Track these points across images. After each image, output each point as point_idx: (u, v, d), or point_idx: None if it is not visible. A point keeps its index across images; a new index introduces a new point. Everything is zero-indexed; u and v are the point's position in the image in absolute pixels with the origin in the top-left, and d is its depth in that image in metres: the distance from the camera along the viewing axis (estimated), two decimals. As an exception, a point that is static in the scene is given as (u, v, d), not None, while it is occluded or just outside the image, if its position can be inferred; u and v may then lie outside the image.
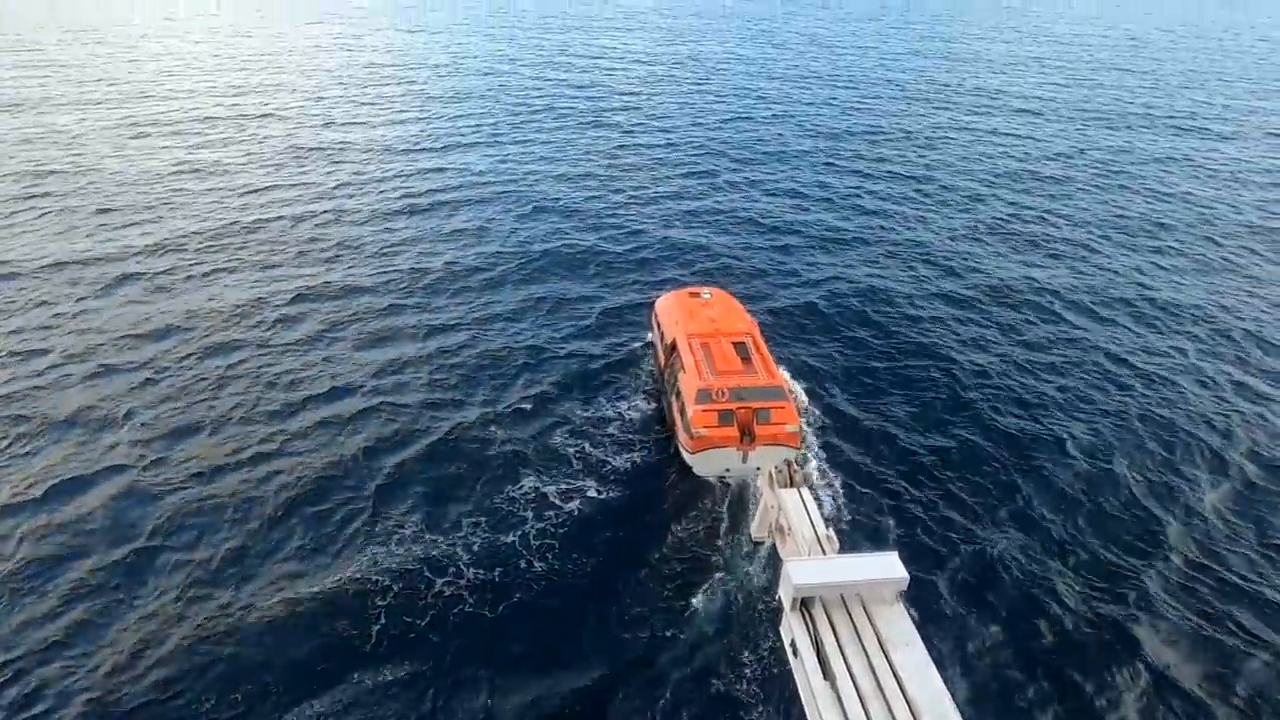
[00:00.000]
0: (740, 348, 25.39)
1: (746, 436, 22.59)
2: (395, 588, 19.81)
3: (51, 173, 50.71)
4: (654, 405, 27.60)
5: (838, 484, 23.97)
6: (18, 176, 49.65)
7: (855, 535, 21.96)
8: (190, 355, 30.22)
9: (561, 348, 31.73)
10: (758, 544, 21.22)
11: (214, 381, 28.56)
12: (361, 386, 28.66)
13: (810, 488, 20.21)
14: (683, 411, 23.37)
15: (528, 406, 27.53)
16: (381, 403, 27.68)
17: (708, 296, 29.21)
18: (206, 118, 67.51)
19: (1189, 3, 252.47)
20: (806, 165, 58.88)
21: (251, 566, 20.78)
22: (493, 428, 26.29)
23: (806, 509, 18.49)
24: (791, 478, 19.97)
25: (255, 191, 49.22)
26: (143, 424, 26.06)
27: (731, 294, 31.25)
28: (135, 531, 21.64)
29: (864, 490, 23.83)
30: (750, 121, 72.62)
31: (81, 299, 34.38)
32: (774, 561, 20.09)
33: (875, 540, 21.65)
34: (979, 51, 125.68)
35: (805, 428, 25.56)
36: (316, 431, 26.11)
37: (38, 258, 38.12)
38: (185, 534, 21.70)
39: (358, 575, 20.21)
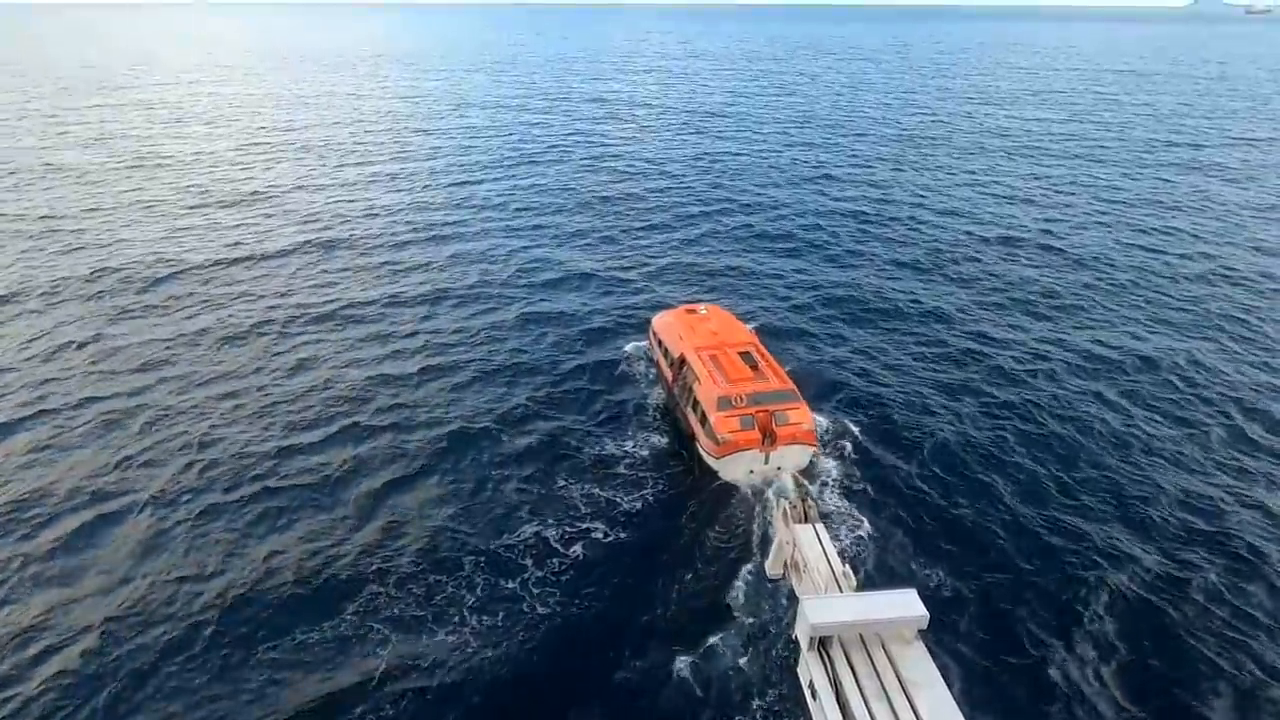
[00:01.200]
0: (746, 356, 26.76)
1: (768, 438, 23.60)
2: (394, 638, 19.18)
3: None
4: (664, 440, 27.21)
5: (856, 517, 23.37)
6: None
7: (874, 572, 21.32)
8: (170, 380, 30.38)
9: (564, 377, 31.68)
10: (773, 581, 20.59)
11: (191, 413, 28.61)
12: (361, 418, 28.58)
13: (825, 523, 19.69)
14: (704, 420, 24.29)
15: (532, 442, 27.14)
16: (384, 436, 27.50)
17: (704, 312, 30.69)
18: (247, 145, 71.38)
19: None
20: (819, 200, 59.43)
21: (241, 605, 20.27)
22: (495, 468, 25.78)
23: (822, 545, 17.90)
24: (806, 513, 19.36)
25: (289, 215, 51.34)
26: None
27: (725, 309, 32.34)
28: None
29: (882, 525, 23.22)
30: (743, 159, 74.15)
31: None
32: (789, 599, 19.49)
33: (893, 578, 20.99)
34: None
35: (826, 461, 25.45)
36: (315, 468, 25.85)
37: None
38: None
39: (355, 620, 19.69)
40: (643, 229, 52.29)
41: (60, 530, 22.86)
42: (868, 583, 19.87)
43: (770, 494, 23.49)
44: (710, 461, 24.44)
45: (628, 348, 34.17)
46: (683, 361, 26.86)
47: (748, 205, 58.06)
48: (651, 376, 31.47)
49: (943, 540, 22.70)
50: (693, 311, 30.73)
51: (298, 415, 28.81)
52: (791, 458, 23.86)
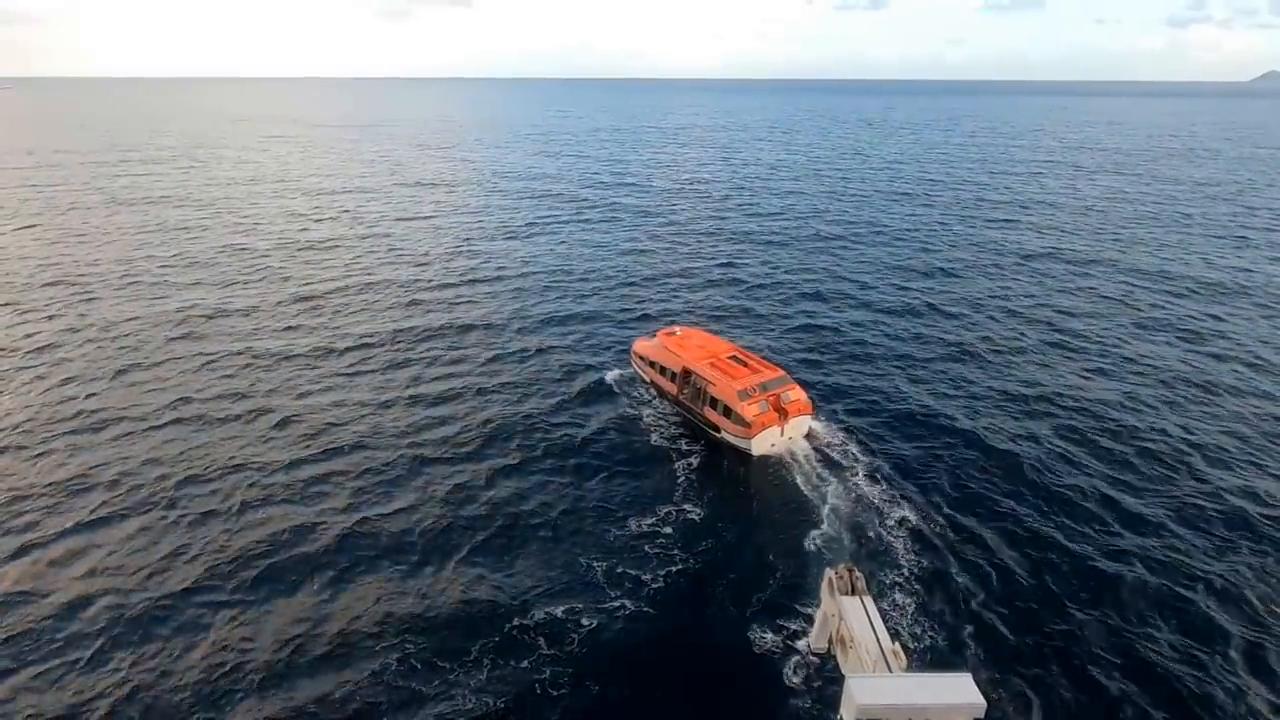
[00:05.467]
0: (735, 359, 32.52)
1: (781, 415, 29.36)
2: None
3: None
4: (695, 511, 26.75)
5: (909, 590, 22.36)
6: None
7: (924, 652, 20.21)
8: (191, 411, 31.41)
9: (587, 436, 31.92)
10: (816, 655, 19.65)
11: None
12: (387, 466, 29.17)
13: (874, 596, 18.80)
14: (728, 412, 29.62)
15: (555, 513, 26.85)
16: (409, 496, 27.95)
17: (680, 333, 35.76)
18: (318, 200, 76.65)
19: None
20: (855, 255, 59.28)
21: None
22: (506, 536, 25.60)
23: (870, 620, 17.00)
24: (854, 584, 18.46)
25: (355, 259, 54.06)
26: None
27: (697, 328, 38.18)
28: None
29: (937, 603, 22.14)
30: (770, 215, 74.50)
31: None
32: (834, 676, 18.50)
33: (947, 660, 19.88)
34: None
35: (882, 533, 25.22)
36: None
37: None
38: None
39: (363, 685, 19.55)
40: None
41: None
42: (918, 663, 18.77)
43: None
44: (740, 443, 29.42)
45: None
46: (687, 372, 32.05)
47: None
48: (643, 395, 35.11)
49: (1004, 624, 21.40)
50: (671, 334, 35.66)
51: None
52: (800, 427, 30.13)
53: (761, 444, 29.29)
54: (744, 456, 29.56)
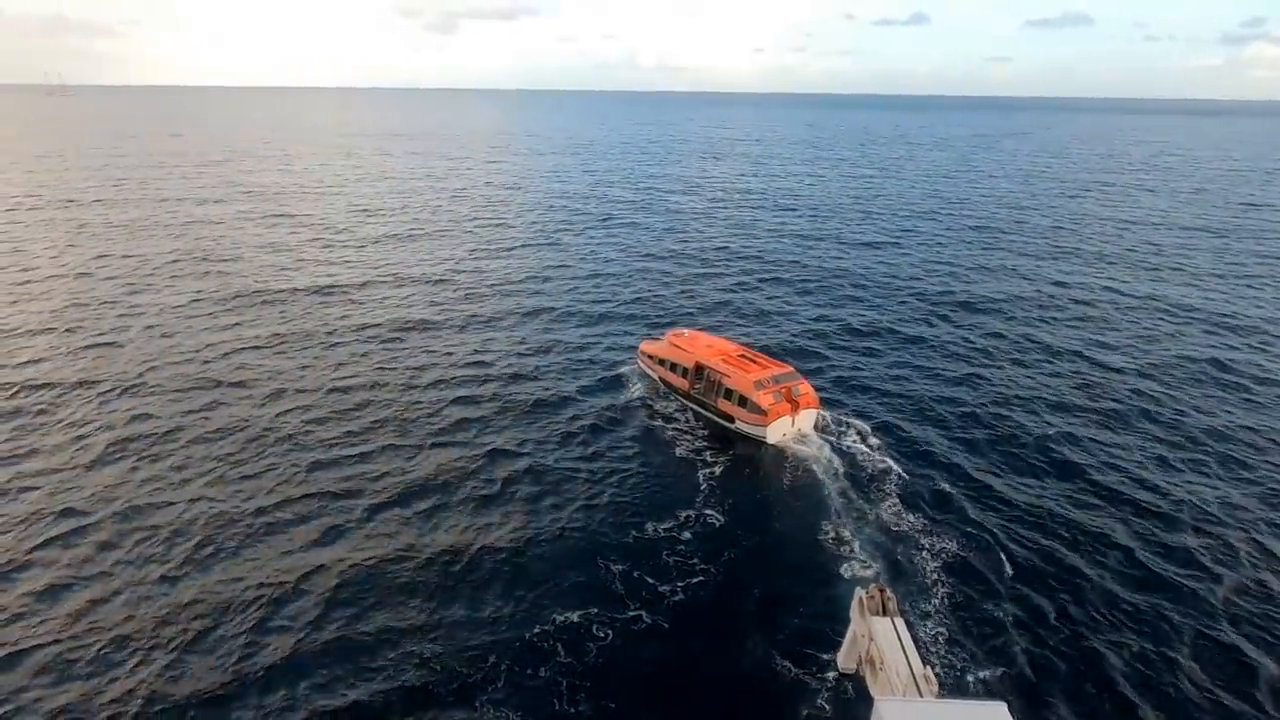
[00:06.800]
0: (744, 357, 34.57)
1: (793, 406, 31.39)
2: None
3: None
4: (709, 521, 26.42)
5: (942, 616, 21.69)
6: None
7: (956, 677, 19.53)
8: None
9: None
10: (844, 676, 19.16)
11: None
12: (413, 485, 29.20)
13: (905, 618, 18.27)
14: (743, 402, 31.57)
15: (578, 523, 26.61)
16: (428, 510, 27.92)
17: (688, 334, 38.06)
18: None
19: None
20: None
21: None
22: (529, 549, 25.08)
23: (901, 642, 16.51)
24: (885, 605, 17.97)
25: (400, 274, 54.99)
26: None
27: (701, 330, 40.64)
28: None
29: (973, 629, 21.34)
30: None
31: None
32: (863, 698, 18.01)
33: (980, 688, 19.13)
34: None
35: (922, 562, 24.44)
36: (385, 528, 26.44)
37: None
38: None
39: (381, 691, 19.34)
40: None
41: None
42: (949, 688, 18.17)
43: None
44: (755, 431, 31.24)
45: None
46: (699, 368, 34.00)
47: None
48: (639, 391, 37.08)
49: (1046, 653, 20.63)
50: (680, 335, 38.02)
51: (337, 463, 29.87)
52: (808, 420, 32.08)
53: (775, 432, 31.11)
54: (754, 454, 30.65)
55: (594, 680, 19.40)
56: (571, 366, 40.56)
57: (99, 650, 20.36)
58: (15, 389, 36.30)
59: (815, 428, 32.36)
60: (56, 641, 20.61)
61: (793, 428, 31.51)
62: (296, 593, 22.61)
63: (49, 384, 37.06)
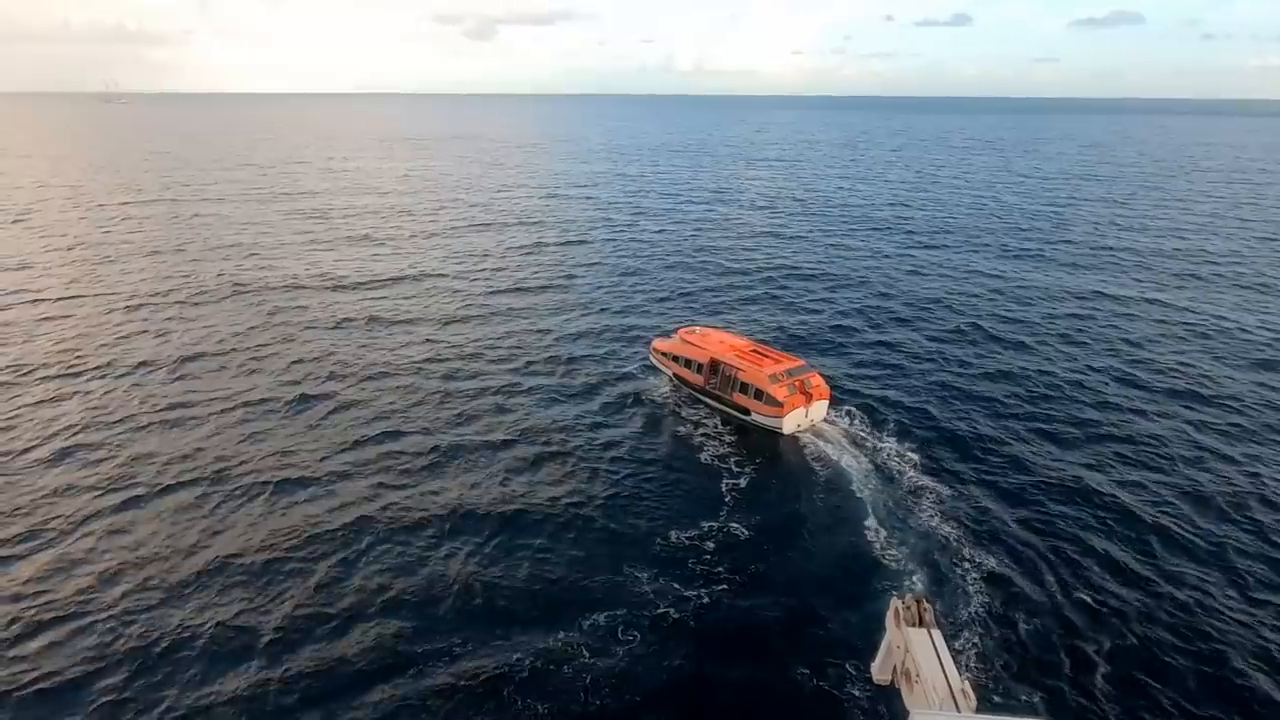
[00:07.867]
0: (757, 353, 35.35)
1: (807, 398, 32.38)
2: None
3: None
4: (740, 530, 26.00)
5: (980, 628, 21.04)
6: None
7: (994, 690, 18.91)
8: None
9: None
10: (878, 687, 18.65)
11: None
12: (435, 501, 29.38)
13: (944, 630, 17.72)
14: (759, 394, 32.54)
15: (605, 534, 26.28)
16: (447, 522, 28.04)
17: (700, 331, 38.60)
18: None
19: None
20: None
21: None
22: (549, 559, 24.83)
23: (939, 655, 15.94)
24: (921, 615, 17.39)
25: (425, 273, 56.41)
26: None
27: (713, 327, 41.54)
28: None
29: (1012, 643, 20.69)
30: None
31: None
32: (897, 711, 17.52)
33: (1020, 705, 18.52)
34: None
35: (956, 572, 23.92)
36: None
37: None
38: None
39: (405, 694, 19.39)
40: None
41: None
42: (987, 705, 17.58)
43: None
44: (771, 422, 32.27)
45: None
46: (714, 363, 34.88)
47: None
48: (659, 389, 37.51)
49: (1092, 674, 19.84)
50: (692, 332, 38.57)
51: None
52: (820, 410, 33.15)
53: (790, 423, 32.20)
54: (773, 445, 31.70)
55: (619, 681, 19.36)
56: (599, 360, 41.20)
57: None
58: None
59: (846, 439, 32.28)
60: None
61: (806, 418, 32.63)
62: (324, 592, 22.97)
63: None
